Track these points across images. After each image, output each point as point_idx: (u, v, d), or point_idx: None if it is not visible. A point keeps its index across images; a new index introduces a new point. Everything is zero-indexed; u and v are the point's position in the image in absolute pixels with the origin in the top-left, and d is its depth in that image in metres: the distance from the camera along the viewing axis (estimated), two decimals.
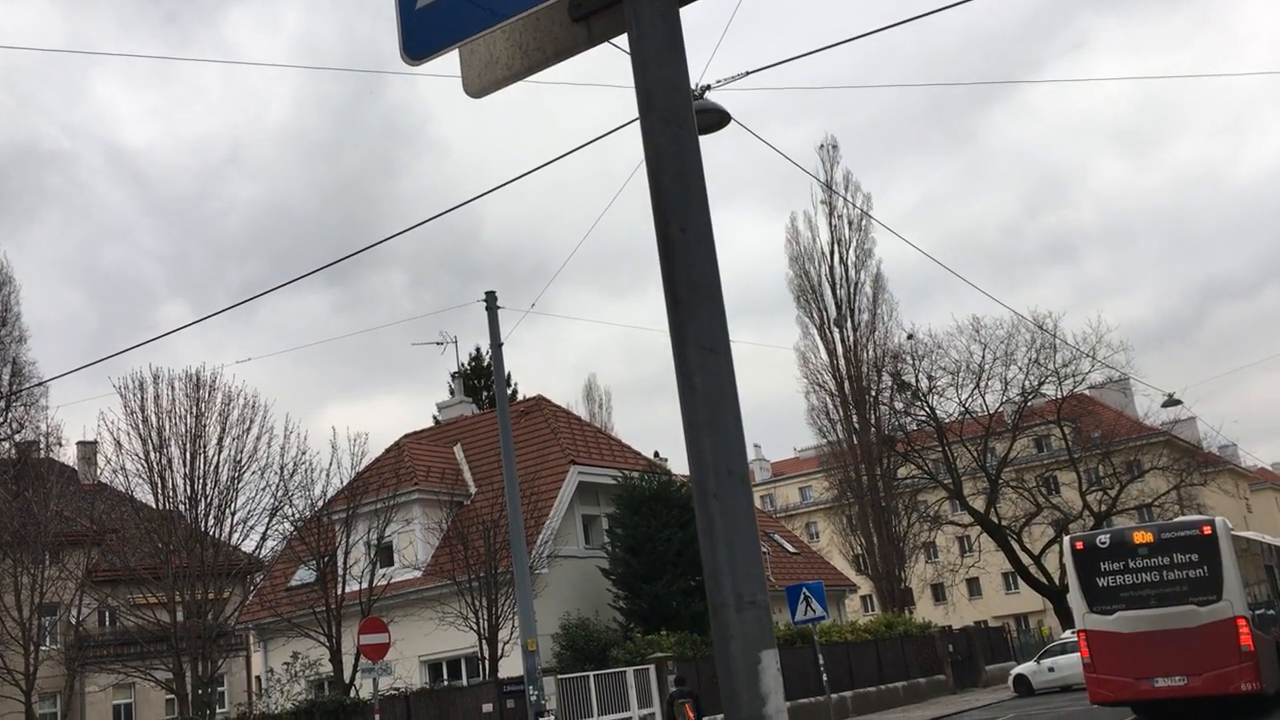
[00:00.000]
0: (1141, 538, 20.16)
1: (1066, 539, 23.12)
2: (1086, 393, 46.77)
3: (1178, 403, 39.37)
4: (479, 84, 2.81)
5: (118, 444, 24.77)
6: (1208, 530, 19.75)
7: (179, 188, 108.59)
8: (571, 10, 2.64)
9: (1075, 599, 20.98)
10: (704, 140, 15.17)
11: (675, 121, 2.35)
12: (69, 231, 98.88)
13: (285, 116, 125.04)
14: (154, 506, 25.35)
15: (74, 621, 33.60)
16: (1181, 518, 28.40)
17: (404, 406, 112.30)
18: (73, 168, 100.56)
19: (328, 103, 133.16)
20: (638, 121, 2.40)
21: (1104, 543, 20.53)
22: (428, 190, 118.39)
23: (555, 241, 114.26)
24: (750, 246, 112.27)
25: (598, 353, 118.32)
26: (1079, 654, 31.27)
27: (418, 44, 2.58)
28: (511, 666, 24.59)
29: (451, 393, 40.30)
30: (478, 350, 51.74)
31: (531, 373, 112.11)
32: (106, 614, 34.47)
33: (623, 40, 2.51)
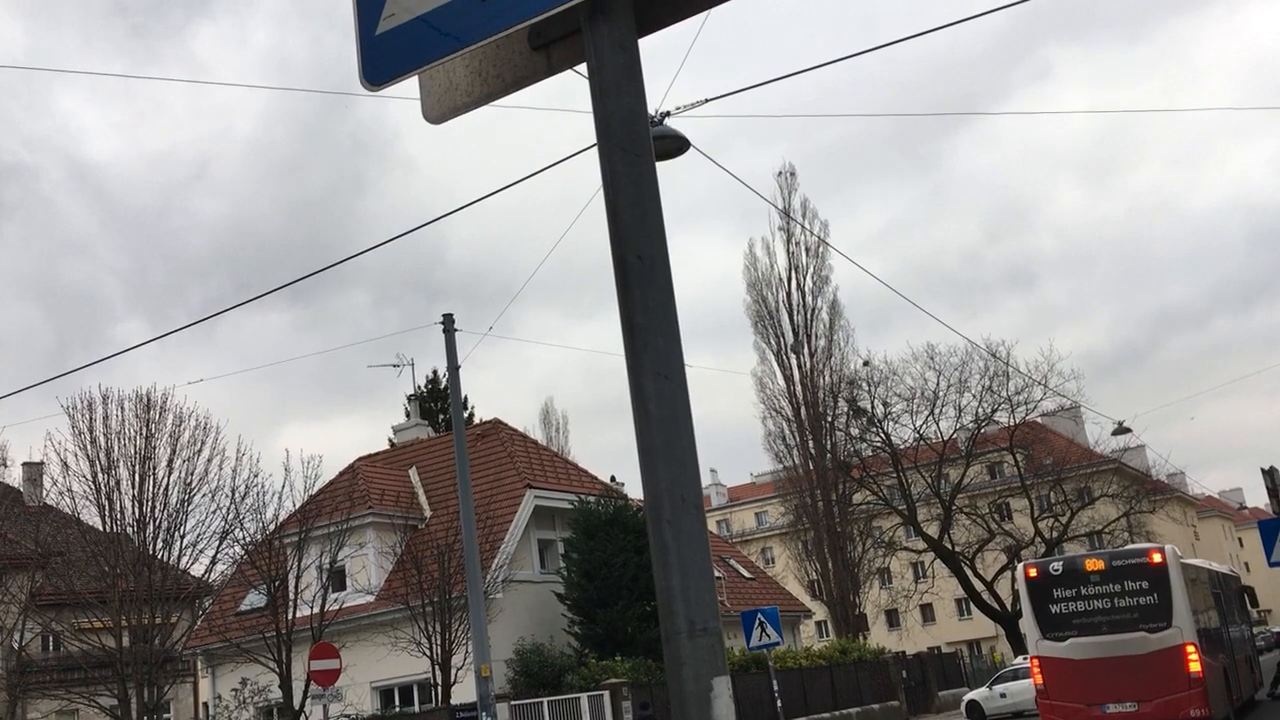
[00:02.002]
0: (1093, 565, 20.49)
1: (1020, 566, 23.37)
2: (1038, 420, 47.38)
3: (1127, 431, 40.01)
4: (438, 110, 2.81)
5: (65, 465, 24.33)
6: (1158, 558, 20.11)
7: (141, 203, 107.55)
8: (531, 39, 2.66)
9: (1028, 625, 21.21)
10: (667, 165, 15.29)
11: (633, 150, 2.37)
12: (27, 246, 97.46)
13: (252, 132, 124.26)
14: (101, 529, 24.89)
15: (16, 646, 32.84)
16: (1132, 545, 28.80)
17: (362, 428, 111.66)
18: (33, 181, 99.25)
19: (295, 119, 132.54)
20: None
21: (1057, 570, 20.82)
22: (394, 209, 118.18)
23: (521, 263, 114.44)
24: (712, 270, 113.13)
25: (560, 374, 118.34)
26: (1030, 680, 31.67)
27: (377, 70, 2.58)
28: (465, 692, 24.35)
29: (407, 415, 40.04)
30: (435, 373, 51.47)
31: (492, 394, 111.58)
32: (50, 638, 33.73)
33: (584, 68, 2.53)
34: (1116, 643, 19.65)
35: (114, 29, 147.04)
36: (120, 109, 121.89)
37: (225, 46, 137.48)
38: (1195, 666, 19.27)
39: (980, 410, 43.46)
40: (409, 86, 2.74)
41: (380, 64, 2.58)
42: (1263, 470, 25.03)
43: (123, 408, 24.81)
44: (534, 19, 2.39)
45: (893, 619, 64.67)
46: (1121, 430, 39.72)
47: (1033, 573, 21.19)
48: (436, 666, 25.21)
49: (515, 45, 2.69)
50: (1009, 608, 43.38)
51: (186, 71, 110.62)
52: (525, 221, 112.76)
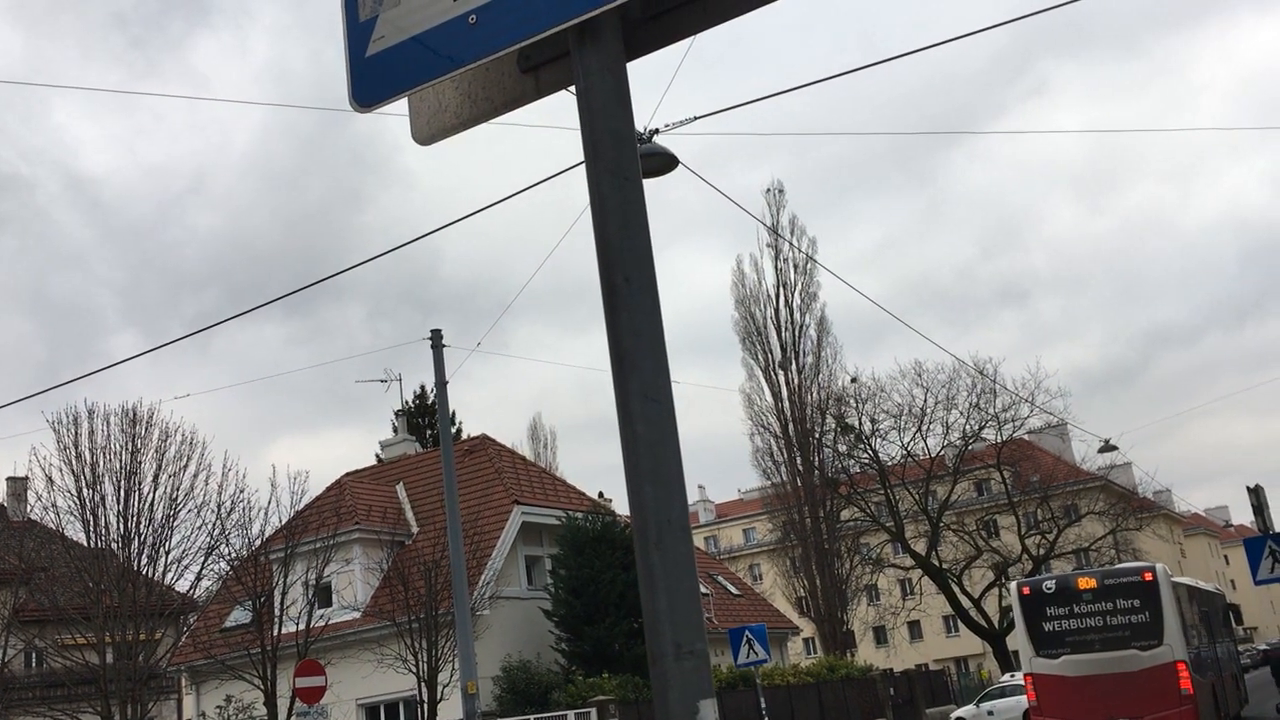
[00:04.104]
0: (1086, 583, 20.87)
1: (1014, 584, 23.68)
2: (1025, 437, 47.48)
3: (1114, 448, 40.17)
4: (427, 131, 2.83)
5: (49, 480, 24.18)
6: (1149, 576, 20.47)
7: (137, 216, 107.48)
8: (520, 62, 2.68)
9: (1022, 643, 21.47)
10: (662, 181, 15.31)
11: (620, 173, 2.39)
12: (21, 258, 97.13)
13: (250, 145, 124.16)
14: (85, 544, 24.73)
15: None
16: (1124, 564, 28.98)
17: (354, 441, 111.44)
18: (29, 193, 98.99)
19: (294, 132, 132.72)
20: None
21: (1050, 588, 21.16)
22: (394, 222, 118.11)
23: (516, 277, 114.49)
24: (704, 286, 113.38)
25: (552, 389, 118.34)
26: (1017, 698, 31.79)
27: (367, 92, 2.59)
28: (451, 710, 24.23)
29: (395, 431, 39.92)
30: (423, 388, 51.38)
31: (484, 409, 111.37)
32: (33, 655, 33.47)
33: (573, 89, 2.54)
34: (1109, 660, 19.94)
35: (113, 40, 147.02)
36: (118, 122, 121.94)
37: (225, 58, 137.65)
38: (1186, 684, 19.56)
39: (968, 427, 43.58)
40: (401, 102, 2.76)
41: (370, 86, 2.60)
42: (1248, 488, 25.20)
43: (108, 422, 24.70)
44: (523, 43, 2.40)
45: (880, 636, 64.58)
46: (1108, 448, 39.89)
47: (1026, 591, 21.50)
48: (423, 683, 25.07)
49: (504, 68, 2.71)
50: (996, 625, 43.40)
51: (186, 83, 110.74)
52: (521, 236, 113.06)
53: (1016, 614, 21.67)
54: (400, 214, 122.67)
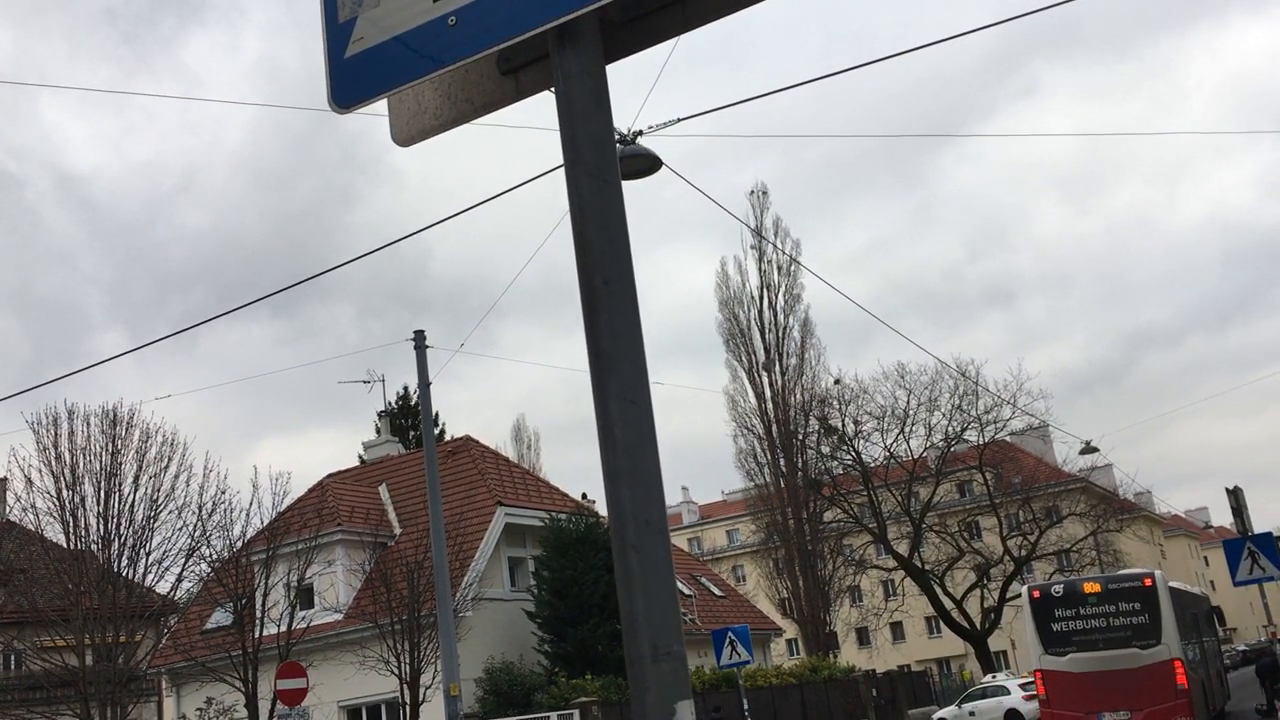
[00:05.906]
0: (1091, 588, 22.76)
1: (1024, 588, 25.75)
2: (1007, 439, 47.68)
3: (1094, 450, 40.38)
4: (407, 133, 2.82)
5: (28, 481, 24.00)
6: (1149, 582, 22.33)
7: (126, 214, 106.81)
8: (500, 63, 2.68)
9: (1031, 641, 23.30)
10: (649, 182, 15.34)
11: (600, 176, 2.39)
12: (8, 255, 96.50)
13: (240, 143, 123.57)
14: (65, 546, 24.57)
15: None
16: (1126, 570, 30.01)
17: (338, 443, 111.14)
18: (18, 190, 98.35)
19: (284, 130, 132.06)
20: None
21: (1058, 592, 22.96)
22: (384, 221, 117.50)
23: (507, 276, 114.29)
24: (690, 287, 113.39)
25: (539, 389, 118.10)
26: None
27: (346, 93, 2.59)
28: (433, 712, 24.17)
29: (378, 432, 39.81)
30: (406, 389, 51.25)
31: (472, 409, 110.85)
32: (12, 656, 33.26)
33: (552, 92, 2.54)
34: (1111, 658, 21.59)
35: (104, 37, 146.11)
36: (107, 119, 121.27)
37: (216, 55, 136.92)
38: (1182, 680, 21.13)
39: (950, 429, 43.71)
40: (382, 103, 2.75)
41: (349, 86, 2.59)
42: (1227, 490, 25.47)
43: (88, 423, 24.54)
44: (503, 44, 2.40)
45: (863, 637, 64.75)
46: (1089, 449, 40.10)
47: (1036, 594, 23.23)
48: (405, 685, 25.01)
49: (484, 69, 2.70)
50: (978, 626, 43.56)
51: (177, 80, 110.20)
52: (511, 235, 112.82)
53: (1026, 616, 23.31)
54: (390, 213, 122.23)
